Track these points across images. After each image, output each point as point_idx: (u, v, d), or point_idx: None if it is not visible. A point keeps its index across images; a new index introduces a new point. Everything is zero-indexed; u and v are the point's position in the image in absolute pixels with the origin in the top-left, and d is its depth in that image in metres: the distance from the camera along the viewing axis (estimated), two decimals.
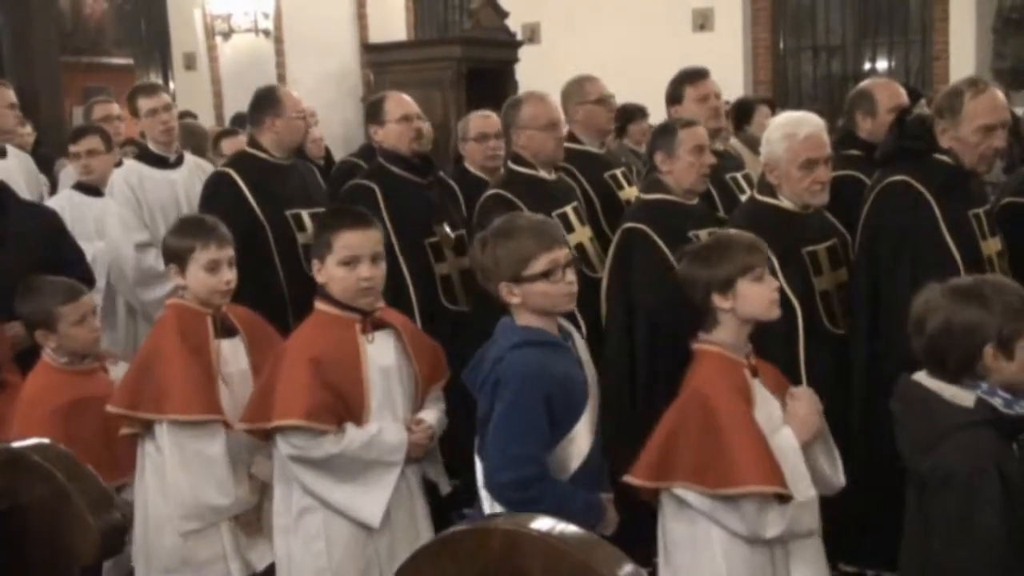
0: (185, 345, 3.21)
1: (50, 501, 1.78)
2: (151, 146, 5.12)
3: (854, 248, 3.73)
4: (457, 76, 8.80)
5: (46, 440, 1.92)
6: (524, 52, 9.59)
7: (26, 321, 3.53)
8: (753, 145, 6.19)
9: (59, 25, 13.87)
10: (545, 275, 2.66)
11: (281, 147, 4.55)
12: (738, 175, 4.63)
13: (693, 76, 4.64)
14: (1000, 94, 3.61)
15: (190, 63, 11.74)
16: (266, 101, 4.58)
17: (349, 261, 2.98)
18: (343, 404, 2.98)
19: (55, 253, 4.01)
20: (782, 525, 2.66)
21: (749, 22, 10.93)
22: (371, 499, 2.98)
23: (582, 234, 4.17)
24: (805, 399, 2.82)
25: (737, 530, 2.68)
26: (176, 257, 3.30)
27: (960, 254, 3.48)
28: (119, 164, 5.45)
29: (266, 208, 4.43)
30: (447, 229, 4.34)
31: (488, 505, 2.72)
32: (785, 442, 2.71)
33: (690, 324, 3.63)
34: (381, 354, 3.05)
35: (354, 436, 2.96)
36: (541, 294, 2.68)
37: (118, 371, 3.52)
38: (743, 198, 4.32)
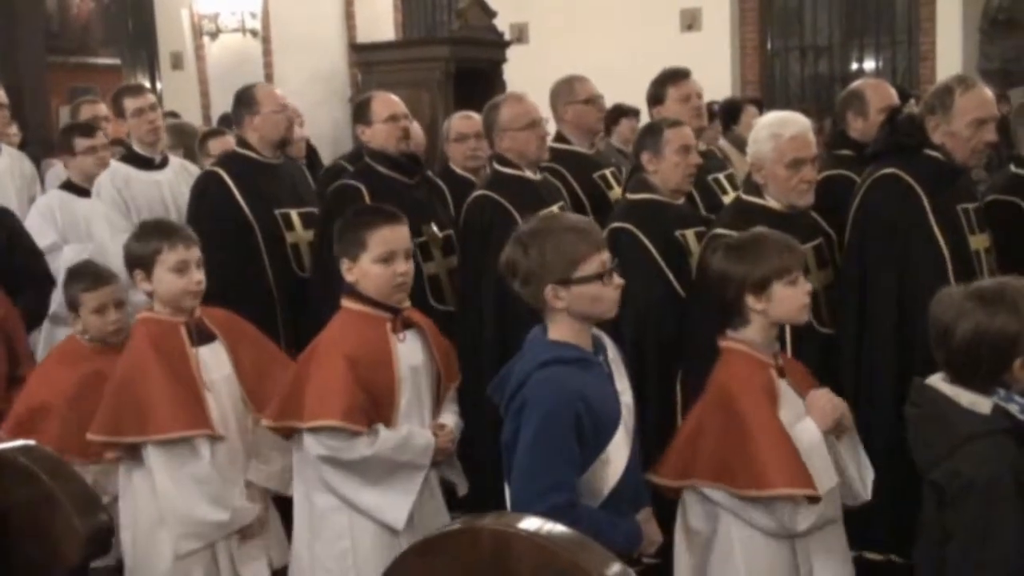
0: (161, 359, 3.12)
1: (35, 503, 1.77)
2: (136, 147, 5.09)
3: (841, 246, 3.75)
4: (445, 76, 8.80)
5: (31, 442, 1.91)
6: (512, 52, 9.58)
7: (65, 305, 3.67)
8: (741, 145, 6.20)
9: (46, 25, 13.81)
10: (599, 276, 2.52)
11: (266, 144, 4.55)
12: (720, 176, 4.65)
13: (675, 76, 4.65)
14: (987, 90, 3.68)
15: (177, 63, 11.71)
16: (243, 100, 4.60)
17: (387, 257, 2.96)
18: (375, 404, 2.96)
19: (7, 255, 4.03)
20: (812, 518, 2.62)
21: (737, 22, 10.95)
22: (397, 502, 2.96)
23: None
24: (825, 392, 2.78)
25: (768, 527, 2.64)
26: (141, 263, 3.20)
27: (948, 247, 3.51)
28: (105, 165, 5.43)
29: (255, 207, 4.42)
30: (435, 229, 4.33)
31: None
32: (806, 433, 2.66)
33: (676, 323, 3.68)
34: (411, 353, 3.05)
35: (387, 438, 2.94)
36: (591, 297, 2.52)
37: None
38: (726, 199, 4.34)
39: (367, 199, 4.22)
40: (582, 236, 2.55)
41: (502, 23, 9.73)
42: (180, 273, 3.17)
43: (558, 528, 1.49)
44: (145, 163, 5.05)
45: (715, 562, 2.74)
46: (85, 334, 3.55)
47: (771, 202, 3.59)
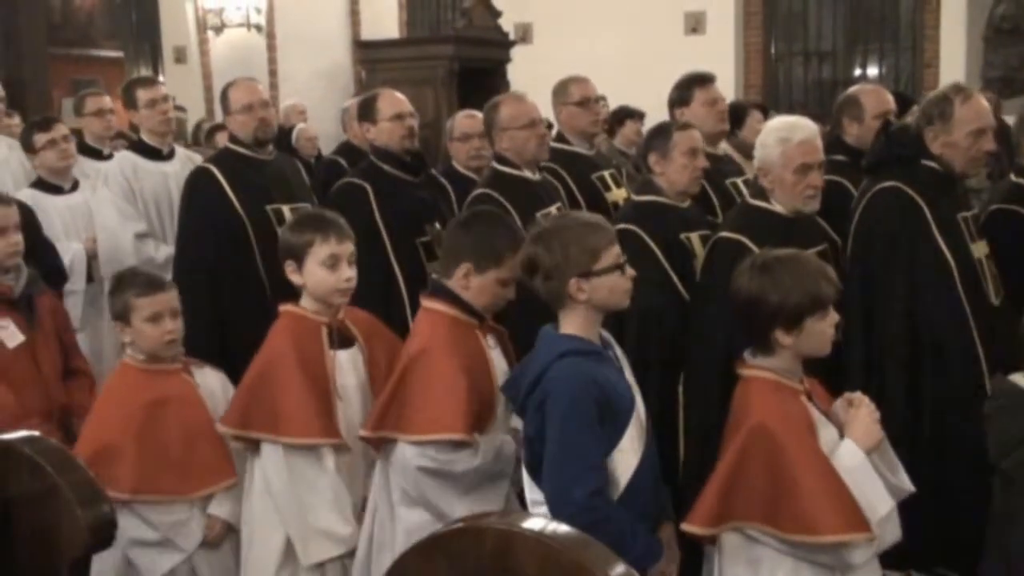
0: (300, 359, 3.03)
1: (39, 494, 1.77)
2: (146, 138, 5.10)
3: (844, 253, 3.75)
4: (449, 75, 8.81)
5: (36, 432, 1.91)
6: (516, 52, 9.60)
7: (112, 314, 3.32)
8: (745, 150, 6.20)
9: (48, 17, 13.81)
10: (618, 267, 2.63)
11: (249, 140, 4.51)
12: (739, 180, 4.64)
13: (702, 80, 4.60)
14: (984, 99, 3.69)
15: (180, 57, 11.69)
16: (222, 100, 4.62)
17: (501, 267, 2.91)
18: (480, 412, 2.89)
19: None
20: (869, 554, 2.51)
21: (741, 26, 10.96)
22: (489, 510, 2.80)
23: None
24: (864, 405, 2.64)
25: (824, 563, 2.52)
26: (292, 253, 3.08)
27: (953, 256, 3.52)
28: (110, 156, 5.42)
29: (246, 203, 4.41)
30: (439, 227, 4.33)
31: None
32: (850, 459, 2.53)
33: (680, 326, 3.68)
34: (499, 360, 3.00)
35: (488, 448, 2.87)
36: (609, 288, 2.62)
37: (204, 376, 3.32)
38: None
39: (372, 198, 4.22)
40: (597, 230, 2.66)
41: (507, 23, 9.74)
42: (331, 268, 3.06)
43: (562, 527, 1.48)
44: (153, 153, 5.05)
45: None
46: (135, 348, 3.24)
47: (777, 207, 3.59)
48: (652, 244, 3.74)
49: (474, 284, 2.93)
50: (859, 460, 2.54)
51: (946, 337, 3.53)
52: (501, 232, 2.97)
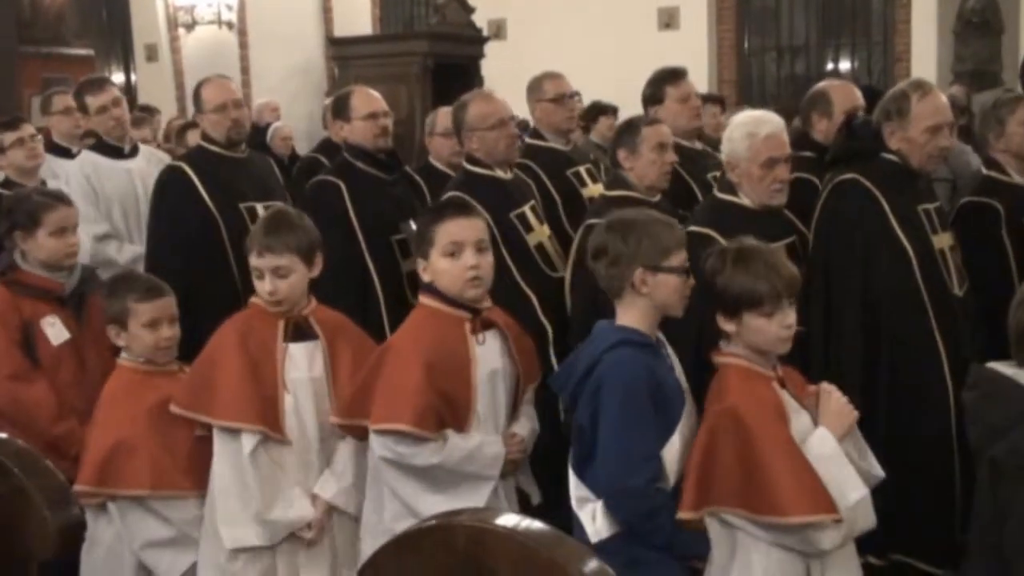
0: (243, 348, 3.02)
1: (7, 497, 1.75)
2: (104, 137, 5.06)
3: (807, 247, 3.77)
4: (423, 71, 8.79)
5: (3, 435, 1.89)
6: (490, 48, 9.58)
7: (107, 317, 3.25)
8: (707, 143, 6.21)
9: (18, 14, 13.68)
10: (684, 271, 2.67)
11: (222, 140, 4.47)
12: (719, 174, 4.64)
13: (673, 76, 4.57)
14: (942, 95, 3.71)
15: (152, 55, 11.61)
16: (194, 98, 4.58)
17: (453, 251, 2.86)
18: (449, 409, 2.86)
19: None
20: (838, 539, 2.51)
21: (714, 21, 11.00)
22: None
23: (541, 233, 4.17)
24: (836, 393, 2.66)
25: (793, 546, 2.54)
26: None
27: (912, 247, 3.54)
28: (76, 155, 5.37)
29: (219, 201, 4.38)
30: (413, 226, 4.31)
31: (592, 521, 2.61)
32: (822, 446, 2.55)
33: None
34: (490, 357, 2.94)
35: (455, 447, 2.85)
36: (671, 288, 2.67)
37: None
38: None
39: (346, 195, 4.20)
40: (671, 230, 2.72)
41: (480, 19, 9.74)
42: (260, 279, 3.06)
43: (535, 524, 1.48)
44: (114, 152, 5.01)
45: None
46: (129, 352, 3.21)
47: (745, 200, 3.60)
48: None
49: (431, 272, 2.91)
50: (830, 447, 2.55)
51: (904, 328, 3.55)
52: (427, 211, 3.06)
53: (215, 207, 4.37)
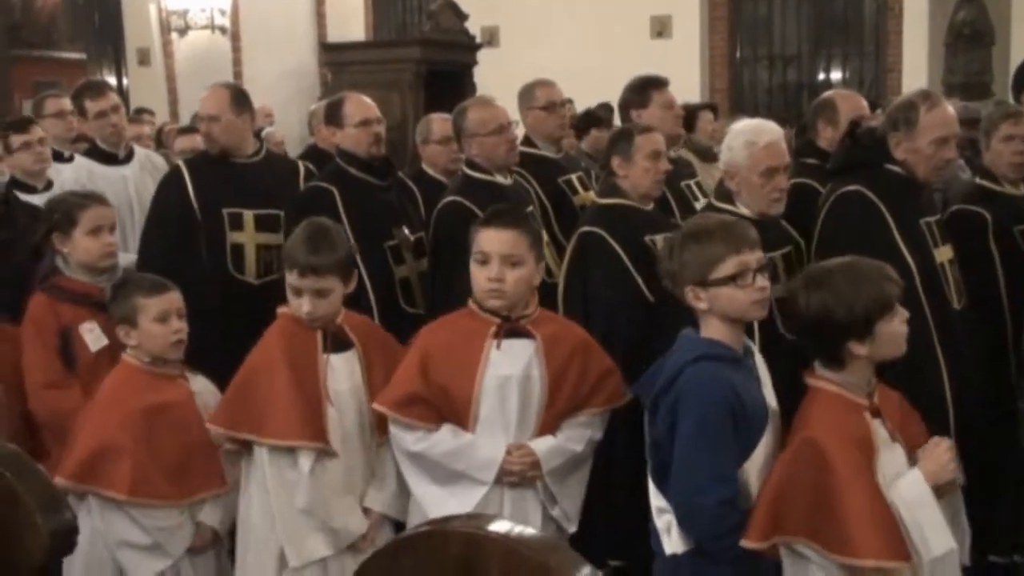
0: (289, 362, 3.02)
1: None
2: (99, 143, 5.06)
3: (808, 256, 3.78)
4: (416, 78, 8.77)
5: None
6: (483, 55, 9.59)
7: (116, 319, 3.27)
8: (699, 151, 6.24)
9: (9, 17, 13.64)
10: (733, 279, 2.55)
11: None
12: (692, 183, 4.66)
13: (658, 83, 4.65)
14: (950, 107, 3.69)
15: (144, 59, 11.60)
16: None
17: (482, 260, 2.90)
18: (447, 404, 2.90)
19: None
20: None
21: (707, 30, 11.04)
22: (452, 508, 2.76)
23: None
24: (946, 445, 2.56)
25: None
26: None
27: (914, 261, 3.54)
28: (71, 159, 5.36)
29: (205, 204, 4.38)
30: (406, 232, 4.31)
31: (668, 534, 2.58)
32: (912, 489, 2.46)
33: (647, 327, 3.69)
34: (507, 362, 2.91)
35: (440, 441, 2.88)
36: (728, 299, 2.56)
37: (196, 384, 3.30)
38: (697, 205, 4.36)
39: (339, 201, 4.19)
40: (723, 238, 2.59)
41: (473, 26, 9.73)
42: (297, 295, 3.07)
43: (528, 531, 1.48)
44: (109, 158, 5.01)
45: None
46: (140, 351, 3.21)
47: (743, 209, 3.60)
48: (616, 246, 3.76)
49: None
50: (921, 491, 2.46)
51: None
52: (492, 231, 2.97)
53: (199, 208, 4.37)
